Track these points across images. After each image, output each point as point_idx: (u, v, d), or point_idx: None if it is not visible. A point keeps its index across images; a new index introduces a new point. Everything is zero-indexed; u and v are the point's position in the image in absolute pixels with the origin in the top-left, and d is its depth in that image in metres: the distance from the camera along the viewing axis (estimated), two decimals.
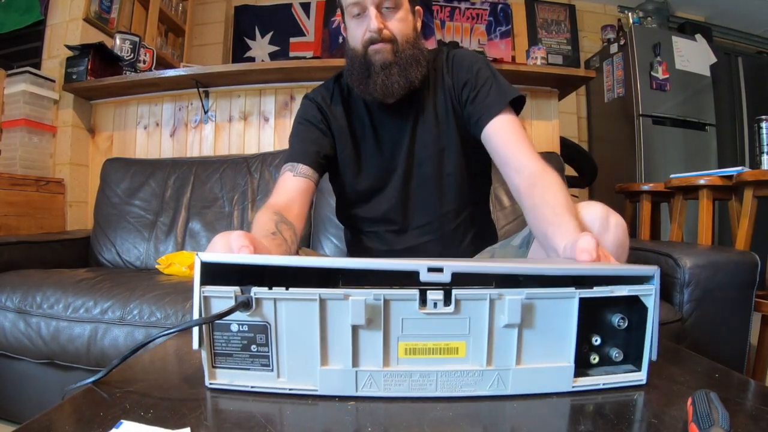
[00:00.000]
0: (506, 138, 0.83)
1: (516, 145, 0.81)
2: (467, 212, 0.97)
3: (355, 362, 0.40)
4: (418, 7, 0.92)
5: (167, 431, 0.33)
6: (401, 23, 0.86)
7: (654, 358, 0.41)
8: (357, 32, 0.87)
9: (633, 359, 0.42)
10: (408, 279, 0.40)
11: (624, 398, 0.39)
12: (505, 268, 0.40)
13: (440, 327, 0.40)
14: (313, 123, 0.94)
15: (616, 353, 0.41)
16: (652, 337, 0.40)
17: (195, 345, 0.40)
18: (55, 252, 1.61)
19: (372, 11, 0.83)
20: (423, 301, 0.39)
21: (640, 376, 0.41)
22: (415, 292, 0.39)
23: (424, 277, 0.38)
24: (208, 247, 0.68)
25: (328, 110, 0.95)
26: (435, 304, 0.39)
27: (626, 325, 0.41)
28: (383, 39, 0.84)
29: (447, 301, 0.39)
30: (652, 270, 0.40)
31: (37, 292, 1.14)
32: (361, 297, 0.38)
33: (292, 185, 0.86)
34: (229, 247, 0.52)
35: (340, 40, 3.08)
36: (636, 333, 0.41)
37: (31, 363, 1.15)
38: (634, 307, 0.41)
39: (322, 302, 0.39)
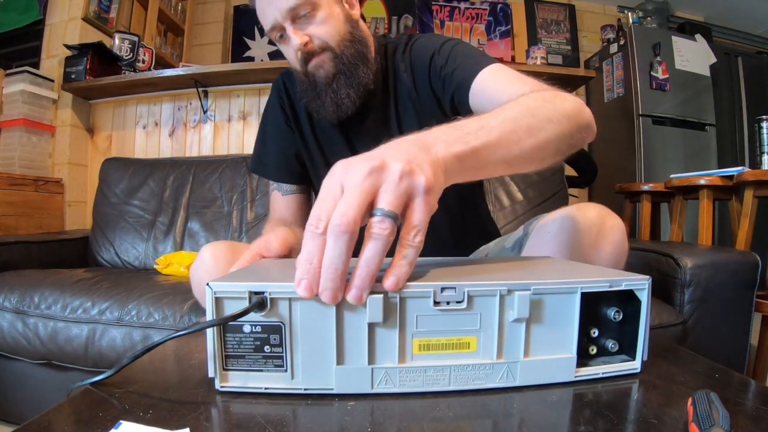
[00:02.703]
0: (499, 81, 0.70)
1: (510, 84, 0.67)
2: (459, 216, 0.93)
3: (371, 360, 0.40)
4: None
5: (167, 431, 0.33)
6: (326, 24, 0.76)
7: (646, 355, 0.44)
8: (290, 54, 0.79)
9: (627, 350, 0.44)
10: None
11: (622, 386, 0.42)
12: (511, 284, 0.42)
13: (453, 323, 0.41)
14: (278, 127, 0.92)
15: (612, 344, 0.44)
16: (645, 329, 0.43)
17: (210, 348, 0.39)
18: (54, 252, 1.60)
19: (289, 29, 0.75)
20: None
21: (635, 365, 0.44)
22: (430, 289, 0.40)
23: (438, 297, 0.40)
24: (196, 259, 0.68)
25: (291, 107, 0.91)
26: (448, 301, 0.40)
27: (621, 317, 0.43)
28: (314, 52, 0.76)
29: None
30: (644, 282, 0.43)
31: (35, 293, 1.14)
32: (378, 295, 0.39)
33: (284, 204, 0.90)
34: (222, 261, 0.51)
35: None
36: (629, 325, 0.44)
37: (28, 363, 1.14)
38: (627, 300, 0.44)
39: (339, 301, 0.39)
